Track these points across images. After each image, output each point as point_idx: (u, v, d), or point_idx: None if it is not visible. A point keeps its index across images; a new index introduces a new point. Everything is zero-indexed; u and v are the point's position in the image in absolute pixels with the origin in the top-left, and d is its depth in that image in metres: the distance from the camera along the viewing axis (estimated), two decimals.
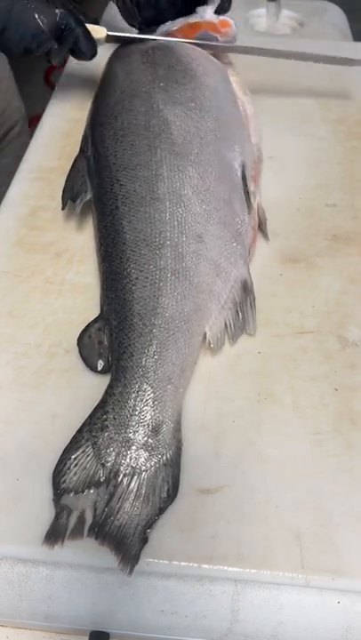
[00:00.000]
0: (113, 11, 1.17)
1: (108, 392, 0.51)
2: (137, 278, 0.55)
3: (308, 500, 0.47)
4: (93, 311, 0.58)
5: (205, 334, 0.56)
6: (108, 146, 0.64)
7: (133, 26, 0.85)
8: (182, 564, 0.44)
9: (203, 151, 0.63)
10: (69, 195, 0.65)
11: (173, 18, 0.77)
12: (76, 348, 0.56)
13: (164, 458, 0.48)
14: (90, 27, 0.73)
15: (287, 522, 0.46)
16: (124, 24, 0.87)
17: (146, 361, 0.51)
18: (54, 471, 0.48)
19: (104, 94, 0.71)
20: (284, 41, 1.09)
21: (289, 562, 0.44)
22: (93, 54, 0.72)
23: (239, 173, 0.65)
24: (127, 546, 0.44)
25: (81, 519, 0.45)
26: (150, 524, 0.45)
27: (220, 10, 0.79)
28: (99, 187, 0.63)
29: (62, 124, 0.81)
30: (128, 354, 0.52)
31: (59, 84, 0.90)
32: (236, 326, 0.57)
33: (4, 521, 0.46)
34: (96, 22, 0.75)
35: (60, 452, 0.49)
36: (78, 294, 0.61)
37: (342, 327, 0.59)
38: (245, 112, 0.74)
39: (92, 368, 0.54)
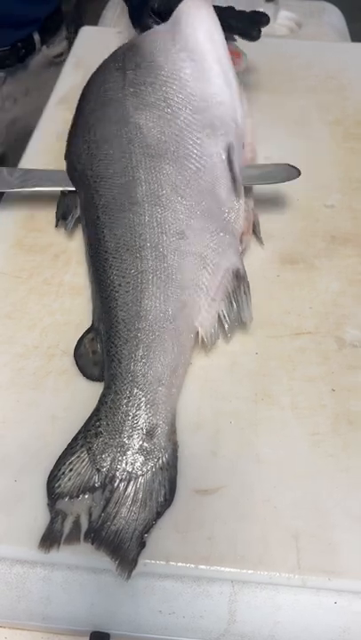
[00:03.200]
0: (113, 11, 1.18)
1: (101, 400, 0.51)
2: (119, 285, 0.55)
3: (306, 501, 0.48)
4: (91, 313, 0.58)
5: (198, 331, 0.56)
6: (83, 160, 0.65)
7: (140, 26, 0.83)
8: (180, 564, 0.45)
9: (180, 146, 0.63)
10: (60, 212, 0.66)
11: None
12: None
13: (160, 461, 0.48)
14: None
15: (284, 522, 0.46)
16: (122, 25, 0.87)
17: (134, 366, 0.51)
18: (49, 476, 0.48)
19: (81, 105, 0.71)
20: (283, 42, 1.09)
21: (286, 562, 0.45)
22: None
23: (224, 157, 0.64)
24: (125, 550, 0.44)
25: (76, 524, 0.46)
26: (148, 528, 0.45)
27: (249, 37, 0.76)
28: (82, 200, 0.64)
29: (60, 125, 0.81)
30: (116, 361, 0.52)
31: (57, 85, 0.91)
32: (231, 318, 0.56)
33: (2, 522, 0.46)
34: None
35: (59, 454, 0.49)
36: (76, 295, 0.61)
37: (340, 328, 0.59)
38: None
39: (89, 377, 0.55)
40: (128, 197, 0.59)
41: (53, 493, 0.47)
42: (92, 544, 0.45)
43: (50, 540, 0.45)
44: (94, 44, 0.97)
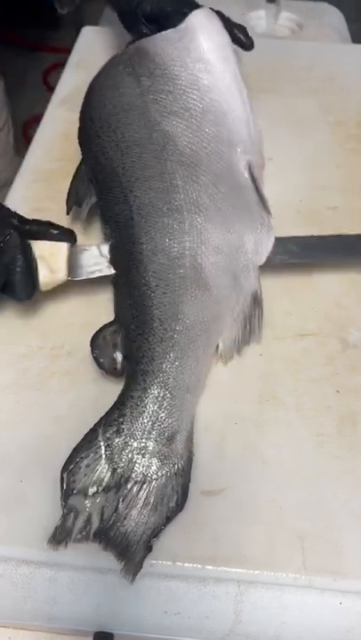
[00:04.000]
0: (113, 11, 1.17)
1: (126, 394, 0.50)
2: (156, 285, 0.55)
3: (311, 502, 0.48)
4: (96, 313, 0.58)
5: (218, 345, 0.56)
6: (112, 157, 0.63)
7: (132, 32, 0.82)
8: (186, 565, 0.45)
9: (211, 159, 0.62)
10: (74, 199, 0.65)
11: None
12: (79, 350, 0.56)
13: (176, 467, 0.48)
14: (49, 248, 0.57)
15: (290, 523, 0.47)
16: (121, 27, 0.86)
17: (166, 366, 0.51)
18: (63, 468, 0.47)
19: (94, 107, 0.69)
20: (284, 43, 1.09)
21: (292, 563, 0.45)
22: (28, 297, 0.56)
23: (247, 175, 0.64)
24: (131, 553, 0.44)
25: (87, 523, 0.45)
26: (156, 532, 0.45)
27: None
28: (107, 197, 0.62)
29: (62, 126, 0.81)
30: (148, 357, 0.51)
31: (59, 85, 0.90)
32: (244, 339, 0.57)
33: (7, 522, 0.47)
34: (71, 236, 0.59)
35: (64, 454, 0.49)
36: (80, 296, 0.61)
37: (343, 330, 0.59)
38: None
39: (104, 369, 0.54)
40: (167, 203, 0.59)
41: (68, 487, 0.46)
42: (100, 544, 0.45)
43: (60, 536, 0.45)
44: (95, 44, 0.97)
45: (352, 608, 0.45)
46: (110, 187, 0.62)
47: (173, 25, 0.70)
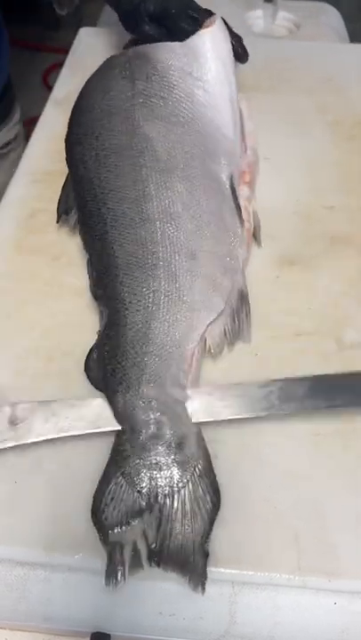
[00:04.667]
0: (111, 12, 1.17)
1: (121, 420, 0.50)
2: (130, 302, 0.54)
3: (306, 502, 0.48)
4: (91, 314, 0.58)
5: (205, 340, 0.55)
6: (90, 167, 0.63)
7: (134, 32, 0.80)
8: None
9: (189, 165, 0.62)
10: (63, 208, 0.65)
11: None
12: (74, 351, 0.56)
13: (197, 470, 0.47)
14: None
15: (284, 523, 0.47)
16: (121, 26, 0.86)
17: (146, 390, 0.50)
18: (92, 511, 0.46)
19: (82, 111, 0.69)
20: (281, 43, 1.09)
21: (286, 563, 0.45)
22: None
23: (228, 186, 0.64)
24: (191, 564, 0.44)
25: (135, 550, 0.45)
26: (206, 536, 0.45)
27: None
28: (84, 210, 0.62)
29: (60, 127, 0.80)
30: (125, 384, 0.51)
31: (56, 86, 0.90)
32: (234, 332, 0.57)
33: (2, 523, 0.47)
34: None
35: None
36: (77, 297, 0.61)
37: (339, 329, 0.59)
38: (241, 114, 0.72)
39: (100, 389, 0.53)
40: (139, 213, 0.58)
41: (103, 526, 0.45)
42: (159, 566, 0.44)
43: (114, 573, 0.44)
44: (93, 45, 0.97)
45: (347, 608, 0.45)
46: (86, 199, 0.62)
47: (177, 26, 0.70)
